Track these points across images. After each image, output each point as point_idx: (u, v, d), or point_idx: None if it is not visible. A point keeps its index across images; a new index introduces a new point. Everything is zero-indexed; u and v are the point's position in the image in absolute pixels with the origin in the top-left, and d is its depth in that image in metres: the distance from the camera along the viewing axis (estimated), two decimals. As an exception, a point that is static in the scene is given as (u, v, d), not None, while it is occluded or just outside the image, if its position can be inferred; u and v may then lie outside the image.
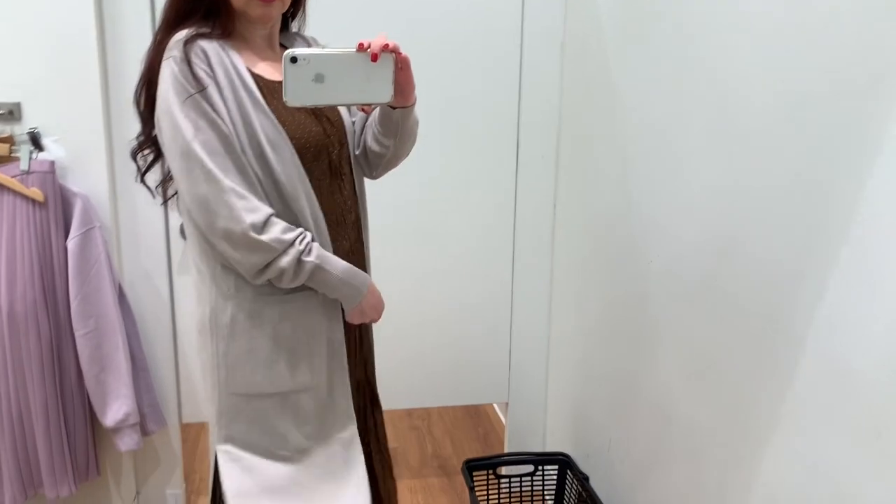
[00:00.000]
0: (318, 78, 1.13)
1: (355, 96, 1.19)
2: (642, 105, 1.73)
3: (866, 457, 1.06)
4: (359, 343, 1.47)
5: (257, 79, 1.26)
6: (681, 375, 1.58)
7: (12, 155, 1.86)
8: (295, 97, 1.13)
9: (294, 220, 1.26)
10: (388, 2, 2.10)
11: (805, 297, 1.18)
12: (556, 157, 2.27)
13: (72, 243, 1.89)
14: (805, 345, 1.18)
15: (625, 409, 1.87)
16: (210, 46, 1.22)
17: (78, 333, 1.90)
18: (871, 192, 1.04)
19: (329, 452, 1.37)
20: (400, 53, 1.18)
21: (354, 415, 1.40)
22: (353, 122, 1.43)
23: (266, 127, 1.23)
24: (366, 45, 1.15)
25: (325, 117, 1.34)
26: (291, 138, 1.26)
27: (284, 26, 1.41)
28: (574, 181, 2.19)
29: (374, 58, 1.14)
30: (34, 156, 1.87)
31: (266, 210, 1.22)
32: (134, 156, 1.35)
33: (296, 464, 1.34)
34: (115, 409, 1.95)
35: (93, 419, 2.00)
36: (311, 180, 1.29)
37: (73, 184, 1.93)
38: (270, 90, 1.26)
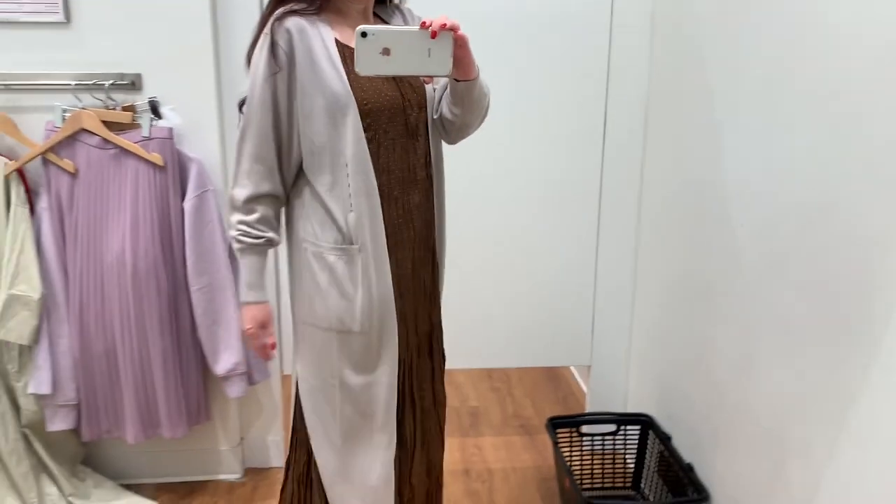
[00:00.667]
0: (385, 51, 1.26)
1: (418, 68, 1.32)
2: (734, 68, 1.74)
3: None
4: (425, 293, 1.56)
5: (345, 49, 1.39)
6: (766, 342, 1.60)
7: (134, 122, 2.02)
8: (364, 67, 1.27)
9: (343, 179, 1.40)
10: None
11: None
12: (645, 119, 2.29)
13: (188, 205, 2.04)
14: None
15: (708, 373, 1.90)
16: (297, 24, 1.36)
17: (193, 289, 2.07)
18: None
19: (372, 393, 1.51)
20: (457, 31, 1.28)
21: (397, 366, 1.51)
22: (434, 89, 1.52)
23: (340, 94, 1.37)
24: (427, 23, 1.26)
25: (408, 83, 1.45)
26: (366, 102, 1.38)
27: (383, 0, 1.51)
28: (663, 145, 2.21)
29: (434, 35, 1.26)
30: (154, 123, 2.02)
31: (251, 192, 1.41)
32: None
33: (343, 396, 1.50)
34: (226, 358, 2.12)
35: (204, 368, 2.18)
36: (386, 139, 1.42)
37: (189, 149, 2.08)
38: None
